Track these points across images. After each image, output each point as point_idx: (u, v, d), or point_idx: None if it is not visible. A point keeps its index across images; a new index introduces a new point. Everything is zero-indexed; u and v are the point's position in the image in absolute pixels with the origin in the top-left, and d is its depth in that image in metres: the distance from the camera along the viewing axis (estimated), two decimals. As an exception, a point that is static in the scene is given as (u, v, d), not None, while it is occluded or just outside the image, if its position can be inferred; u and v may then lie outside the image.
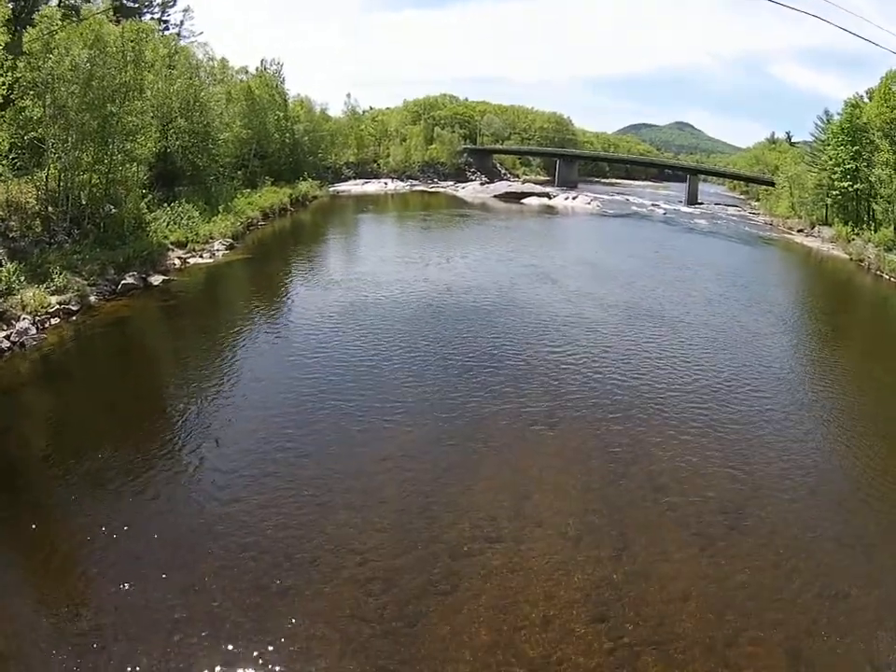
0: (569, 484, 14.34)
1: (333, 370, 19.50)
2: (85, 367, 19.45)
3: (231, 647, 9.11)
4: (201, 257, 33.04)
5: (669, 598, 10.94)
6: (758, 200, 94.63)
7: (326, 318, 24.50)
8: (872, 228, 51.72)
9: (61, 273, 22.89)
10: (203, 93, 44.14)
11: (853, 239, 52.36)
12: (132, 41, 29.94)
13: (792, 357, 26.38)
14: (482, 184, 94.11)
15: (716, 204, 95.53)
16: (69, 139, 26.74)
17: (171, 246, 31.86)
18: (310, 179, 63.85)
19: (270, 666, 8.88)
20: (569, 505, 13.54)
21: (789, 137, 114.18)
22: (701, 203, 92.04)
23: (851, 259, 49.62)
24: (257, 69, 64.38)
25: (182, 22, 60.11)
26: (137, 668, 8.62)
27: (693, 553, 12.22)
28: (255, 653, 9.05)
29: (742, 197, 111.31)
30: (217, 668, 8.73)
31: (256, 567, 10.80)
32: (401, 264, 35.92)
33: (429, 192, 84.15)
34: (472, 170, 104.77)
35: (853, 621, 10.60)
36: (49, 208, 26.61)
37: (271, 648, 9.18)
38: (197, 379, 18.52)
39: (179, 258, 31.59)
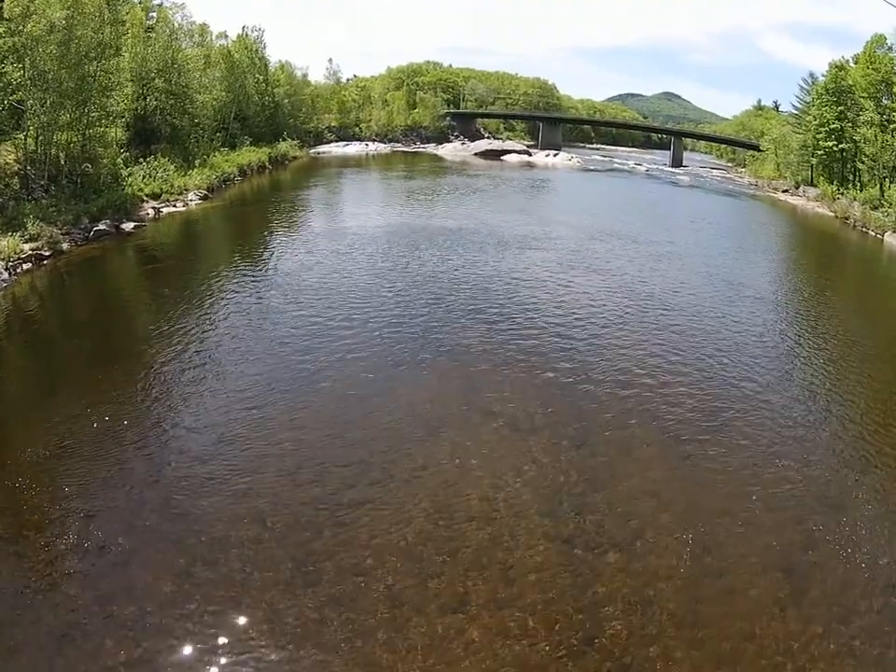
0: (525, 380, 14.01)
1: (297, 290, 19.95)
2: (51, 306, 19.55)
3: (138, 541, 8.78)
4: (174, 206, 33.45)
5: (636, 499, 10.15)
6: (744, 166, 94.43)
7: (292, 252, 25.28)
8: (857, 187, 51.80)
9: (34, 223, 23.01)
10: (180, 55, 43.89)
11: (838, 198, 52.34)
12: (108, 1, 29.98)
13: (771, 281, 26.96)
14: (462, 143, 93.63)
15: (701, 167, 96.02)
16: (48, 100, 26.66)
17: (145, 198, 32.21)
18: (290, 140, 63.21)
19: (179, 562, 8.44)
20: (524, 400, 13.14)
21: (776, 105, 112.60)
22: (686, 166, 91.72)
23: (836, 216, 49.64)
24: (238, 35, 63.32)
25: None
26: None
27: (664, 452, 11.58)
28: (162, 547, 8.69)
29: (729, 164, 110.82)
30: (124, 563, 8.42)
31: (181, 456, 10.71)
32: (372, 206, 38.43)
33: (410, 153, 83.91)
34: (455, 133, 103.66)
35: (851, 530, 9.81)
36: (28, 167, 26.69)
37: (182, 541, 8.79)
38: (162, 308, 18.57)
39: (153, 208, 31.88)
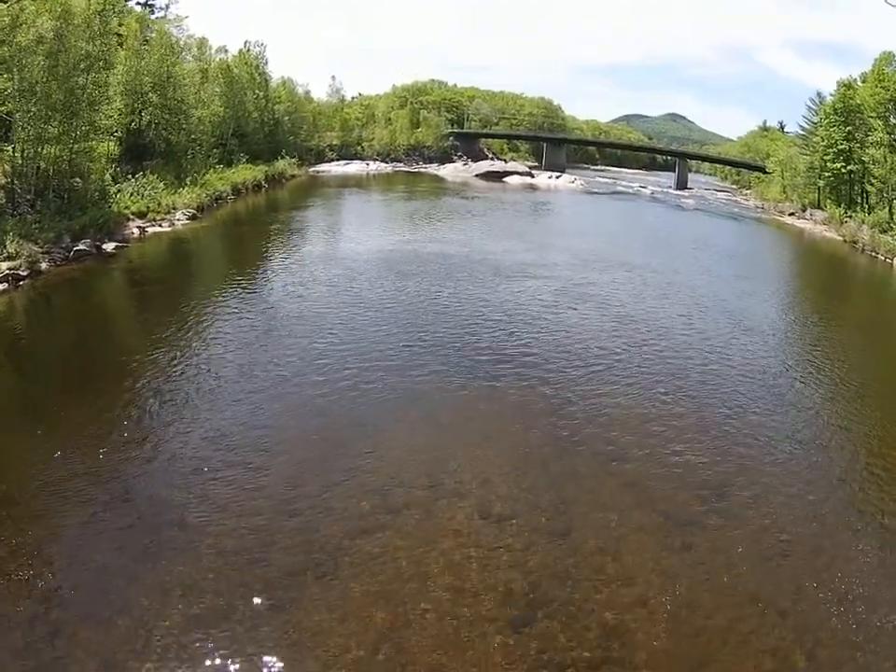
0: (503, 450, 12.46)
1: (278, 322, 19.16)
2: (26, 332, 18.74)
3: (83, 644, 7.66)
4: (160, 226, 32.67)
5: (623, 602, 8.61)
6: (749, 188, 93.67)
7: (276, 280, 24.33)
8: (865, 210, 50.79)
9: (14, 241, 22.34)
10: (176, 69, 43.53)
11: (846, 221, 51.30)
12: (99, 12, 29.26)
13: (780, 315, 25.68)
14: (464, 164, 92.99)
15: (706, 189, 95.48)
16: (36, 112, 26.31)
17: (131, 216, 31.36)
18: (288, 158, 62.65)
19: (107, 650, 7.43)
20: (499, 476, 11.49)
21: (781, 126, 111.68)
22: (691, 189, 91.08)
23: (845, 240, 48.59)
24: (239, 50, 63.02)
25: (168, 6, 58.82)
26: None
27: (657, 541, 9.94)
28: (91, 634, 7.68)
29: (734, 186, 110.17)
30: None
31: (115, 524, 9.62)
32: (365, 230, 37.00)
33: (411, 173, 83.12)
34: (459, 154, 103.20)
35: (879, 643, 8.18)
36: (15, 181, 26.33)
37: (107, 630, 7.72)
38: (137, 337, 17.99)
39: (139, 227, 31.14)
